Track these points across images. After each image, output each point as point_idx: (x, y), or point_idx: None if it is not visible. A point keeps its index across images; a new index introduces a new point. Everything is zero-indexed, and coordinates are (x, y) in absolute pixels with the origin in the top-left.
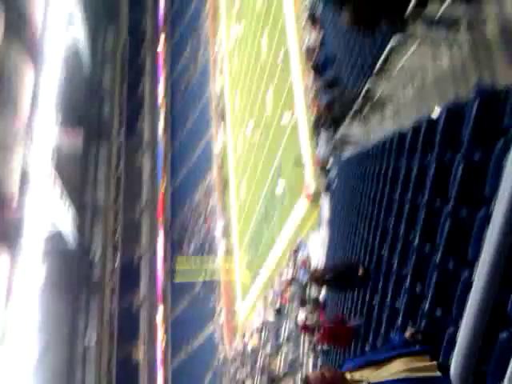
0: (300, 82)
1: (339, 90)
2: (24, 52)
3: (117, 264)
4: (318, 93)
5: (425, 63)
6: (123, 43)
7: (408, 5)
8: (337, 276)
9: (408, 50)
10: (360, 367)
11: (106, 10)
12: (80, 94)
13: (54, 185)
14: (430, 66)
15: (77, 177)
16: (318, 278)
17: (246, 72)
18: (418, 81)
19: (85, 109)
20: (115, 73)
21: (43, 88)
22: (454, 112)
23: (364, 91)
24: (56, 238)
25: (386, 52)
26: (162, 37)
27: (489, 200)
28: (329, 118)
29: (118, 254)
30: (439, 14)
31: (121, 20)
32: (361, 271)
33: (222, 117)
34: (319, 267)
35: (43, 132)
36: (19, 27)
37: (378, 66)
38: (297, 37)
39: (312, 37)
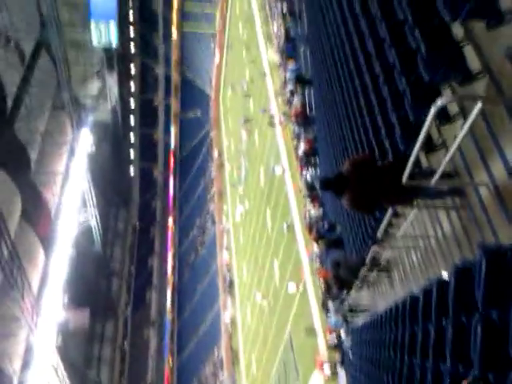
0: (305, 251)
1: (345, 256)
2: (36, 235)
3: None
4: (324, 260)
5: (426, 228)
6: (133, 225)
7: (401, 183)
8: None
9: (407, 216)
10: None
11: (118, 195)
12: (90, 271)
13: (58, 362)
14: (431, 230)
15: (81, 354)
16: None
17: (252, 245)
18: (421, 246)
19: (94, 286)
20: (125, 251)
21: (53, 268)
22: (463, 273)
23: (369, 258)
24: None
25: (386, 220)
26: (171, 219)
27: None
28: (337, 285)
29: None
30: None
31: (132, 203)
32: None
33: (230, 289)
34: None
35: (50, 310)
36: (34, 212)
37: (379, 234)
38: (298, 210)
39: (313, 210)
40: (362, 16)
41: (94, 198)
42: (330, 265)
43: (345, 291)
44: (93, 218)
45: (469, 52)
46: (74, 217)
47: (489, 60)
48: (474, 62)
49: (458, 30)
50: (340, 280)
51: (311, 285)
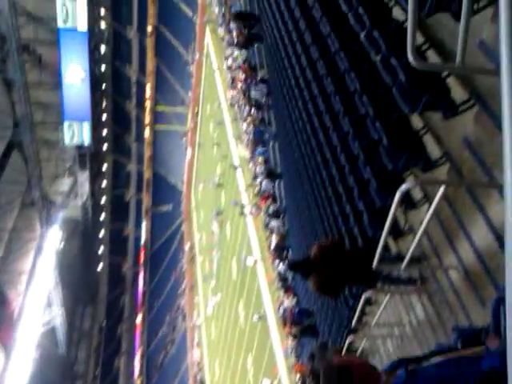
0: (280, 345)
1: (321, 348)
2: None
3: None
4: (299, 353)
5: (400, 315)
6: (100, 323)
7: (370, 267)
8: None
9: (381, 303)
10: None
11: (85, 292)
12: (53, 375)
13: None
14: (405, 317)
15: None
16: None
17: (224, 341)
18: (396, 334)
19: None
20: (90, 352)
21: (13, 373)
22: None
23: (346, 346)
24: None
25: (359, 308)
26: (140, 315)
27: None
28: (313, 379)
29: None
30: (400, 271)
31: (99, 301)
32: None
33: None
34: None
35: None
36: None
37: (354, 323)
38: (272, 302)
39: (286, 301)
40: (326, 112)
41: (61, 297)
42: (307, 358)
43: None
44: (58, 318)
45: (429, 140)
46: (38, 317)
47: (448, 147)
48: (434, 150)
49: (417, 122)
50: (316, 373)
51: (287, 381)
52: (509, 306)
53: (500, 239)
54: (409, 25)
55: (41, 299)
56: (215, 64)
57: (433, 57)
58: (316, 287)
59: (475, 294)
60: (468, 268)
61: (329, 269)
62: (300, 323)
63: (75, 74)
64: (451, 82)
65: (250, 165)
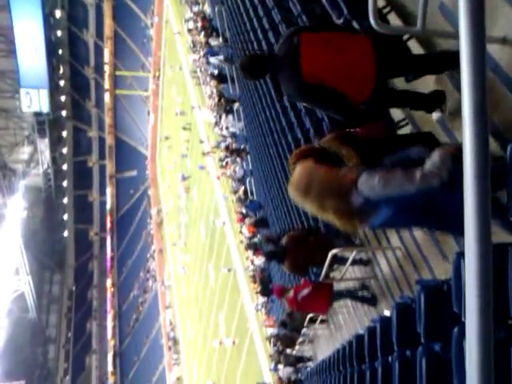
0: (250, 301)
1: (290, 315)
2: None
3: None
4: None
5: (365, 271)
6: (69, 289)
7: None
8: None
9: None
10: None
11: (52, 259)
12: (25, 340)
13: None
14: (370, 272)
15: None
16: None
17: (195, 300)
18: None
19: (29, 355)
20: (61, 317)
21: None
22: (404, 310)
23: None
24: None
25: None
26: (109, 280)
27: None
28: (282, 343)
29: None
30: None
31: (67, 267)
32: None
33: (175, 348)
34: None
35: None
36: None
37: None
38: (241, 261)
39: (256, 259)
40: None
41: (27, 264)
42: (277, 325)
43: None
44: (26, 285)
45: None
46: (5, 285)
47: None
48: (396, 113)
49: None
50: (285, 338)
51: (258, 336)
52: (468, 260)
53: None
54: None
55: (7, 267)
56: (175, 27)
57: (394, 20)
58: (289, 269)
59: (437, 249)
60: None
61: (297, 254)
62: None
63: (29, 40)
64: (413, 44)
65: (215, 129)
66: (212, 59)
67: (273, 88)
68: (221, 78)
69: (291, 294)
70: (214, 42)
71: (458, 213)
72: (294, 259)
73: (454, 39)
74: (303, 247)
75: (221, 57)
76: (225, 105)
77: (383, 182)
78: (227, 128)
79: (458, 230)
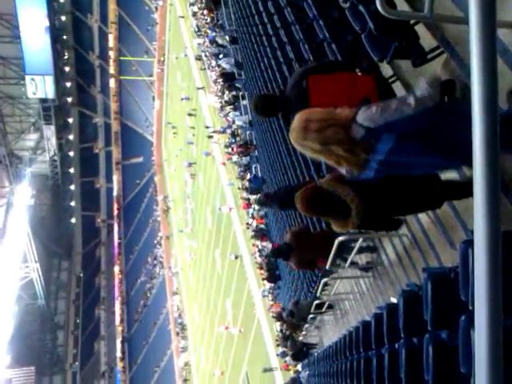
0: (256, 287)
1: (297, 303)
2: None
3: None
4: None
5: (372, 257)
6: (77, 275)
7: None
8: None
9: (355, 246)
10: None
11: (60, 246)
12: (34, 326)
13: None
14: (377, 258)
15: None
16: None
17: (202, 286)
18: (369, 273)
19: (39, 341)
20: (69, 303)
21: None
22: (411, 297)
23: (320, 289)
24: None
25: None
26: (117, 267)
27: (466, 376)
28: (289, 330)
29: None
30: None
31: (75, 254)
32: None
33: (183, 333)
34: None
35: None
36: None
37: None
38: (247, 247)
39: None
40: (296, 61)
41: (35, 251)
42: (286, 315)
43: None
44: (34, 272)
45: (398, 88)
46: (14, 272)
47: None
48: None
49: (386, 70)
50: (292, 325)
51: (265, 322)
52: (477, 248)
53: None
54: None
55: (15, 254)
56: (180, 11)
57: (402, 4)
58: (297, 266)
59: (444, 236)
60: (437, 211)
61: (303, 249)
62: (256, 191)
63: (34, 26)
64: (420, 29)
65: (220, 114)
66: (223, 63)
67: (284, 126)
68: (229, 77)
69: None
70: (221, 40)
71: (459, 136)
72: (299, 255)
73: (462, 24)
74: (307, 242)
75: (232, 60)
76: (232, 100)
77: (381, 110)
78: (233, 122)
79: (464, 158)
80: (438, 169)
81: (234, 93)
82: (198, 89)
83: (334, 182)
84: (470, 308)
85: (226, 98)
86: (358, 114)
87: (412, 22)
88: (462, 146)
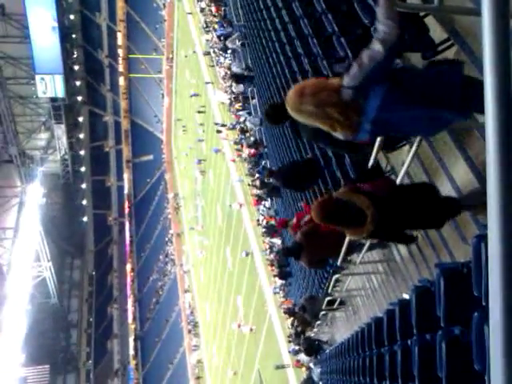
0: (267, 284)
1: (310, 298)
2: None
3: None
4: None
5: (383, 252)
6: (89, 274)
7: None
8: None
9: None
10: None
11: (72, 244)
12: (47, 325)
13: None
14: (389, 254)
15: None
16: None
17: (214, 284)
18: (381, 268)
19: (52, 340)
20: (82, 302)
21: (8, 328)
22: (424, 293)
23: (331, 285)
24: None
25: (345, 247)
26: (129, 265)
27: (480, 374)
28: (301, 326)
29: None
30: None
31: (87, 252)
32: None
33: (195, 331)
34: None
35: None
36: None
37: (339, 261)
38: (257, 244)
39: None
40: (304, 56)
41: (48, 250)
42: (298, 309)
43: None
44: (47, 271)
45: None
46: (27, 271)
47: None
48: None
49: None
50: (303, 322)
51: (277, 319)
52: (490, 243)
53: (481, 178)
54: None
55: (28, 253)
56: (188, 7)
57: None
58: (307, 265)
59: (457, 232)
60: None
61: (313, 248)
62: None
63: (43, 25)
64: (430, 21)
65: (230, 111)
66: (233, 67)
67: (292, 131)
68: (239, 78)
69: (294, 220)
70: (231, 44)
71: (437, 78)
72: (310, 255)
73: (473, 15)
74: (317, 241)
75: (243, 64)
76: (242, 102)
77: (358, 67)
78: (244, 121)
79: (451, 106)
80: (432, 127)
81: (242, 90)
82: (207, 83)
83: (349, 193)
84: (484, 303)
85: (234, 90)
86: (343, 80)
87: (422, 14)
88: (447, 91)
